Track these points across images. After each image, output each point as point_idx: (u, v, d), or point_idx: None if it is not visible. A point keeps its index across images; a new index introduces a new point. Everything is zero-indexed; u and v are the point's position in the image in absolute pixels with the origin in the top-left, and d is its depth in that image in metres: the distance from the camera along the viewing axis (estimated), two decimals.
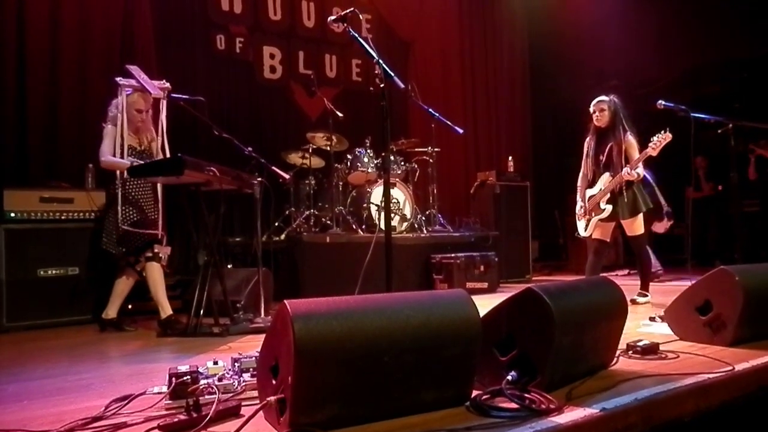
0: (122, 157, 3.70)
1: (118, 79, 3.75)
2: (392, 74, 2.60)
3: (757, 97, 7.27)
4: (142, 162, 3.70)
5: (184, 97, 3.87)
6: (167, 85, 3.84)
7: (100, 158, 3.73)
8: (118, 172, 3.68)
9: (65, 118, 5.22)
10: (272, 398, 1.52)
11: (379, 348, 1.56)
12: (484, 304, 1.98)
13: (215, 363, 2.03)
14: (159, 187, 3.86)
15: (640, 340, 2.39)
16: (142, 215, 3.73)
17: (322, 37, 7.29)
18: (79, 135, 5.12)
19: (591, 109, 4.40)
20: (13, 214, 4.01)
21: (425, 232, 5.90)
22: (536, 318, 1.79)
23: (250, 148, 3.97)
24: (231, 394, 1.86)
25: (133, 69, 3.73)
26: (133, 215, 3.69)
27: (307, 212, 5.60)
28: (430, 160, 6.30)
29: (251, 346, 2.82)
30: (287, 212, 5.79)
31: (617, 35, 8.02)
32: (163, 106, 3.85)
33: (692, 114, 4.11)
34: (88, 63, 5.39)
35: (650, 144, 4.09)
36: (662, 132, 4.11)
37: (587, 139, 4.50)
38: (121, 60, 5.35)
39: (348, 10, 2.85)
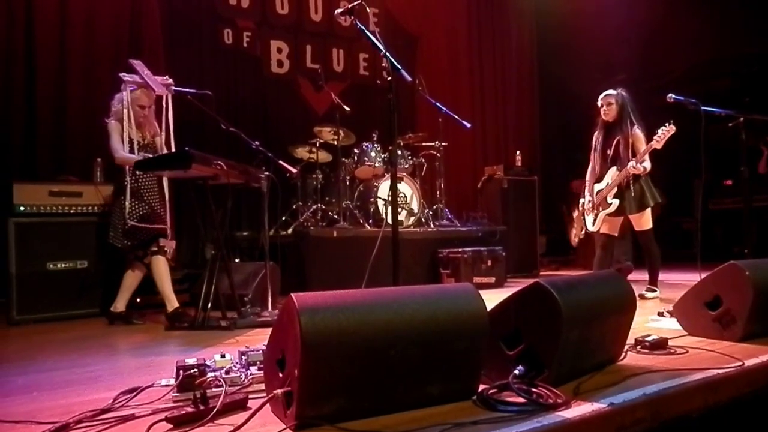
0: (131, 151, 3.72)
1: (121, 74, 3.76)
2: (399, 67, 2.59)
3: (767, 91, 7.19)
4: (149, 156, 3.71)
5: (191, 91, 3.87)
6: (170, 81, 3.85)
7: (114, 155, 3.74)
8: (127, 167, 3.69)
9: (73, 113, 5.24)
10: (279, 391, 1.52)
11: (386, 342, 1.55)
12: (492, 298, 1.98)
13: (222, 356, 2.04)
14: (165, 181, 3.87)
15: (649, 335, 2.38)
16: (149, 210, 3.75)
17: (330, 32, 7.28)
18: (87, 129, 5.14)
19: (599, 103, 4.37)
20: (22, 208, 4.03)
21: (432, 226, 5.89)
22: (544, 312, 1.78)
23: (257, 142, 3.97)
24: (238, 387, 1.86)
25: (137, 64, 3.74)
26: (139, 210, 3.71)
27: (314, 206, 5.60)
28: (438, 155, 6.28)
29: (258, 339, 2.83)
30: (294, 206, 5.80)
31: (626, 29, 7.95)
32: (169, 102, 3.86)
33: (703, 107, 4.07)
34: (96, 57, 5.41)
35: (655, 137, 4.07)
36: (666, 124, 4.09)
37: (595, 133, 4.48)
38: (129, 54, 5.35)
39: (355, 3, 2.84)
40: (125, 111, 3.71)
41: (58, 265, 4.10)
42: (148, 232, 3.70)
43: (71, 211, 4.20)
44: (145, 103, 3.83)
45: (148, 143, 3.88)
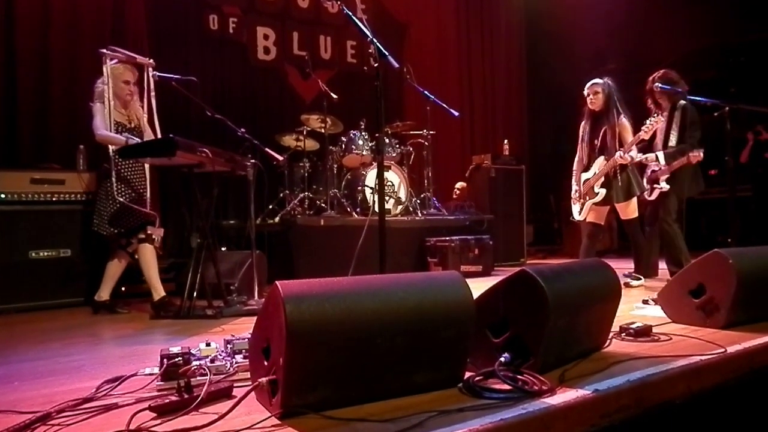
0: (110, 131, 3.64)
1: (101, 50, 3.67)
2: (386, 53, 2.57)
3: (753, 81, 7.25)
4: (135, 139, 3.66)
5: (175, 77, 3.82)
6: (152, 62, 3.80)
7: (95, 132, 3.64)
8: (111, 151, 3.62)
9: (56, 100, 5.15)
10: (264, 379, 1.51)
11: (372, 330, 1.55)
12: (479, 287, 1.97)
13: (208, 344, 2.02)
14: (147, 167, 3.82)
15: (633, 323, 2.39)
16: (135, 194, 3.71)
17: (317, 18, 7.20)
18: (69, 116, 5.06)
19: (585, 92, 4.38)
20: (3, 196, 3.97)
21: (420, 215, 5.89)
22: (530, 300, 1.79)
23: (243, 129, 3.93)
24: (223, 376, 1.85)
25: (117, 48, 3.70)
26: (126, 192, 3.66)
27: (302, 195, 5.58)
28: (426, 143, 6.28)
29: (244, 328, 2.82)
30: (281, 195, 5.76)
31: (614, 19, 7.97)
32: (151, 81, 3.79)
33: (689, 97, 4.10)
34: (79, 44, 5.30)
35: (643, 128, 4.09)
36: (654, 115, 4.11)
37: (582, 123, 4.49)
38: (113, 42, 5.26)
39: None
40: (106, 88, 3.63)
41: (41, 254, 4.05)
42: (136, 218, 3.65)
43: (53, 199, 4.14)
44: (130, 78, 3.75)
45: (134, 126, 3.81)
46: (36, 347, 2.72)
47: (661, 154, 4.23)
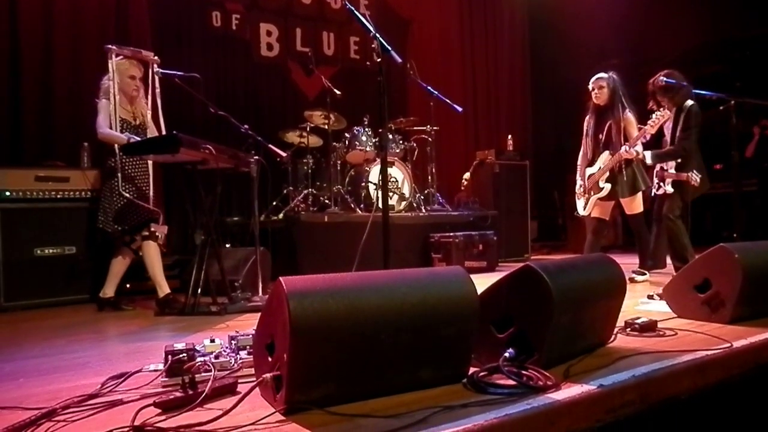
0: (113, 127, 3.64)
1: (107, 46, 3.67)
2: (389, 48, 2.56)
3: (758, 75, 7.20)
4: (138, 138, 3.66)
5: (179, 73, 3.82)
6: (156, 57, 3.80)
7: (97, 130, 3.66)
8: (117, 148, 3.62)
9: (60, 98, 5.16)
10: (268, 375, 1.51)
11: (376, 326, 1.54)
12: (483, 283, 1.97)
13: (212, 341, 2.03)
14: (150, 163, 3.82)
15: (639, 318, 2.39)
16: (139, 192, 3.71)
17: (320, 15, 7.20)
18: (73, 114, 5.07)
19: (590, 87, 4.36)
20: (8, 193, 3.98)
21: (424, 211, 5.89)
22: (534, 295, 1.78)
23: (246, 126, 3.92)
24: (227, 372, 1.85)
25: (122, 47, 3.71)
26: (131, 189, 3.67)
27: (305, 191, 5.58)
28: (429, 139, 6.26)
29: (249, 324, 2.82)
30: (285, 192, 5.77)
31: (617, 14, 7.93)
32: (156, 79, 3.80)
33: (694, 90, 4.07)
34: (82, 41, 5.31)
35: (649, 122, 4.07)
36: (661, 109, 4.08)
37: (587, 118, 4.46)
38: (116, 38, 5.27)
39: None
40: (112, 83, 3.63)
41: (46, 251, 4.06)
42: (140, 215, 3.65)
43: (58, 197, 4.15)
44: (136, 73, 3.76)
45: (139, 123, 3.81)
46: (41, 344, 2.74)
47: (648, 154, 4.17)
